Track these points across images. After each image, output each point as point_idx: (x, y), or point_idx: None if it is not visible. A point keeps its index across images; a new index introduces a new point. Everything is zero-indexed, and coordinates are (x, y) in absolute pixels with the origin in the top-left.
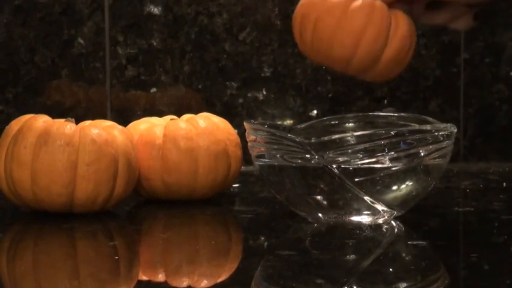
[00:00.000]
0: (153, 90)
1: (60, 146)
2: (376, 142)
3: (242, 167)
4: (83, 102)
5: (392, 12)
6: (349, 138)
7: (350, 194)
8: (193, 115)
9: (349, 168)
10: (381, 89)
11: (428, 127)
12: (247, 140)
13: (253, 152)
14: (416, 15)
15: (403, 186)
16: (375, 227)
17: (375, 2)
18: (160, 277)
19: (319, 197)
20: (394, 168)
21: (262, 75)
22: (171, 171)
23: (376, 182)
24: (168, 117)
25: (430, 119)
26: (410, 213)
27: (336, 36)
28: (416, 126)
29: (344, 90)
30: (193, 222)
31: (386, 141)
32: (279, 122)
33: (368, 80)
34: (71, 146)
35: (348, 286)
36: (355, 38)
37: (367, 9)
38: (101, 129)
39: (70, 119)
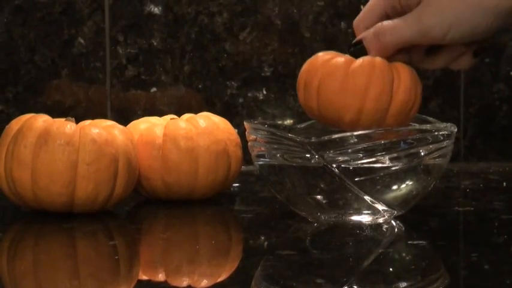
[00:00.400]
0: (153, 90)
1: (60, 145)
2: (376, 142)
3: (242, 167)
4: (83, 102)
5: (393, 66)
6: (349, 137)
7: (350, 194)
8: (193, 115)
9: (349, 167)
10: None
11: (428, 127)
12: (248, 139)
13: (254, 152)
14: (416, 62)
15: (403, 185)
16: (375, 227)
17: (374, 60)
18: (160, 277)
19: (319, 197)
20: (394, 168)
21: (263, 74)
22: (171, 171)
23: (376, 182)
24: (168, 117)
25: (430, 118)
26: (410, 213)
27: (340, 100)
28: (417, 126)
29: None
30: (193, 222)
31: (387, 140)
32: (279, 122)
33: None
34: (71, 146)
35: (348, 286)
36: (359, 99)
37: (367, 68)
38: (101, 129)
39: (70, 118)
